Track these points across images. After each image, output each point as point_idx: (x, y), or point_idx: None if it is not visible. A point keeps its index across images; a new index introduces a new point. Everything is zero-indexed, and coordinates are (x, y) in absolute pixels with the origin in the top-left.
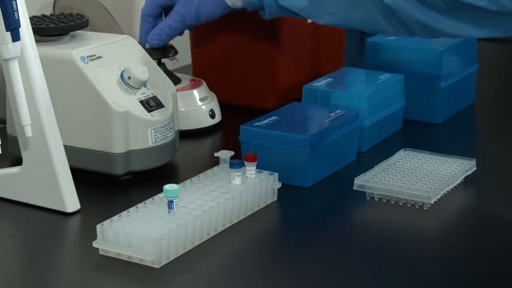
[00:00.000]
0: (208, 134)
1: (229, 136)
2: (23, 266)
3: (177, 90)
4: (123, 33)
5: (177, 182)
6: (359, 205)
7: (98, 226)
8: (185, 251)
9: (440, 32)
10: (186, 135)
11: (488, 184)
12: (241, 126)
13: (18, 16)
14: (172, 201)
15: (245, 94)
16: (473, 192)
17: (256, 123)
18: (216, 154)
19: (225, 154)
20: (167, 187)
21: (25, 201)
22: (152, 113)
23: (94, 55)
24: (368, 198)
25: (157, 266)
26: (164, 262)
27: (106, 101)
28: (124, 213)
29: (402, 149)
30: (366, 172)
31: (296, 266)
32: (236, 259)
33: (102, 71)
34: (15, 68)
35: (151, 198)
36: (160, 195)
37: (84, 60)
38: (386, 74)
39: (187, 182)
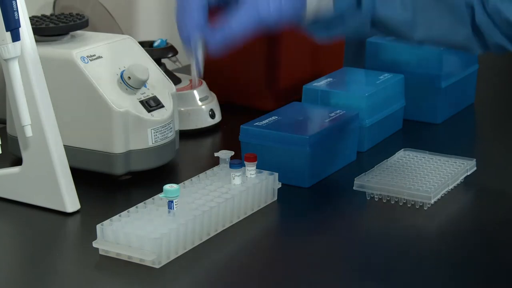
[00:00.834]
0: (208, 134)
1: (229, 136)
2: (23, 266)
3: (177, 90)
4: (123, 33)
5: (177, 182)
6: (359, 205)
7: (98, 226)
8: (185, 251)
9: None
10: (186, 135)
11: (488, 184)
12: (241, 126)
13: (18, 16)
14: (172, 201)
15: (245, 94)
16: (473, 192)
17: (256, 123)
18: (216, 154)
19: (225, 154)
20: (167, 187)
21: (25, 201)
22: (152, 113)
23: (94, 55)
24: (368, 198)
25: (157, 266)
26: (164, 262)
27: (106, 101)
28: (124, 213)
29: (402, 149)
30: (366, 172)
31: (296, 266)
32: (236, 259)
33: (102, 71)
34: (15, 68)
35: (151, 198)
36: (160, 195)
37: (84, 60)
38: (386, 74)
39: (187, 182)
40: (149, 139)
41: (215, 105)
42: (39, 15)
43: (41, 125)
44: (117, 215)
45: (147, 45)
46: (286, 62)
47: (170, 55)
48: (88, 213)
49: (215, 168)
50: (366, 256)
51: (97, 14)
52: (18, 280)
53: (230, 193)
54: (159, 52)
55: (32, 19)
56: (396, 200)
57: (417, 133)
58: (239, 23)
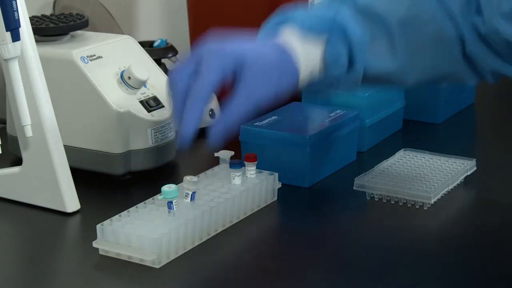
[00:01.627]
0: (208, 134)
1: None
2: (23, 266)
3: None
4: (123, 33)
5: (177, 182)
6: (359, 205)
7: (98, 226)
8: (185, 251)
9: (506, 76)
10: None
11: (488, 184)
12: (241, 126)
13: (18, 16)
14: (171, 201)
15: None
16: (473, 192)
17: (256, 123)
18: (216, 154)
19: (225, 154)
20: (165, 188)
21: (25, 201)
22: (152, 113)
23: (94, 55)
24: (368, 198)
25: (157, 266)
26: (164, 262)
27: (106, 101)
28: (124, 213)
29: (402, 149)
30: (366, 172)
31: (295, 266)
32: (236, 259)
33: (102, 71)
34: (15, 68)
35: (151, 198)
36: (159, 196)
37: (84, 60)
38: None
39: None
40: (149, 139)
41: (215, 105)
42: (39, 15)
43: (41, 125)
44: (117, 215)
45: (147, 45)
46: None
47: (170, 55)
48: (88, 213)
49: (215, 168)
50: (366, 256)
51: (97, 14)
52: (18, 280)
53: (230, 193)
54: (159, 52)
55: (32, 19)
56: (396, 200)
57: (417, 133)
58: (237, 113)
